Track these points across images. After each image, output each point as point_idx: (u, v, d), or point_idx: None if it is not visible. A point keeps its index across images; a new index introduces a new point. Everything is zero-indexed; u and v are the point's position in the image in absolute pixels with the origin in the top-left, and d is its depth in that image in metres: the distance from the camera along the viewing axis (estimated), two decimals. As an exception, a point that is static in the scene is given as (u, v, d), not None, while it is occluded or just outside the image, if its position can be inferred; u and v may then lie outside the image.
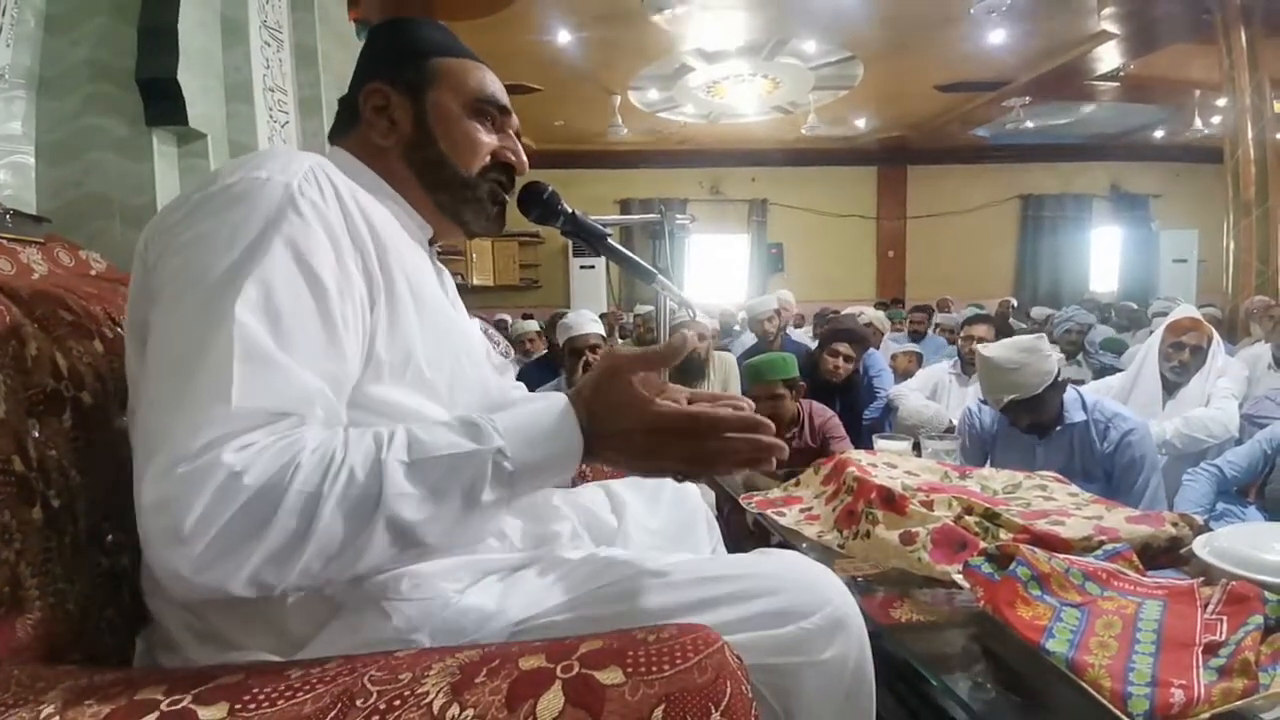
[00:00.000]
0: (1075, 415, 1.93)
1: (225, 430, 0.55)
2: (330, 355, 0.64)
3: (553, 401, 0.66)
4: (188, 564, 0.53)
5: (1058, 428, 1.95)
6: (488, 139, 0.87)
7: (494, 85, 0.89)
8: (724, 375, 3.17)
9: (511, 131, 0.91)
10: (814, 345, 3.32)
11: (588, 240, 0.99)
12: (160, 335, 0.62)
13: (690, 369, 2.97)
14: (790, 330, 4.79)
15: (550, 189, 0.96)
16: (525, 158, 0.91)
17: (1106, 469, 1.90)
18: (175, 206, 0.69)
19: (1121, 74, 6.92)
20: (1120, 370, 3.34)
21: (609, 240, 0.99)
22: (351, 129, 0.87)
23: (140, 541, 0.56)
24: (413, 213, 0.86)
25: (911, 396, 3.24)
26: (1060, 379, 1.95)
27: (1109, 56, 6.48)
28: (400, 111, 0.85)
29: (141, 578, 0.72)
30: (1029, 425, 1.97)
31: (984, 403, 2.16)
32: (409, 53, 0.86)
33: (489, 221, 0.89)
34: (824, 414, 2.52)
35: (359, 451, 0.59)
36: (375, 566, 0.62)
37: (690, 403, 1.05)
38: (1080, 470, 1.91)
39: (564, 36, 5.92)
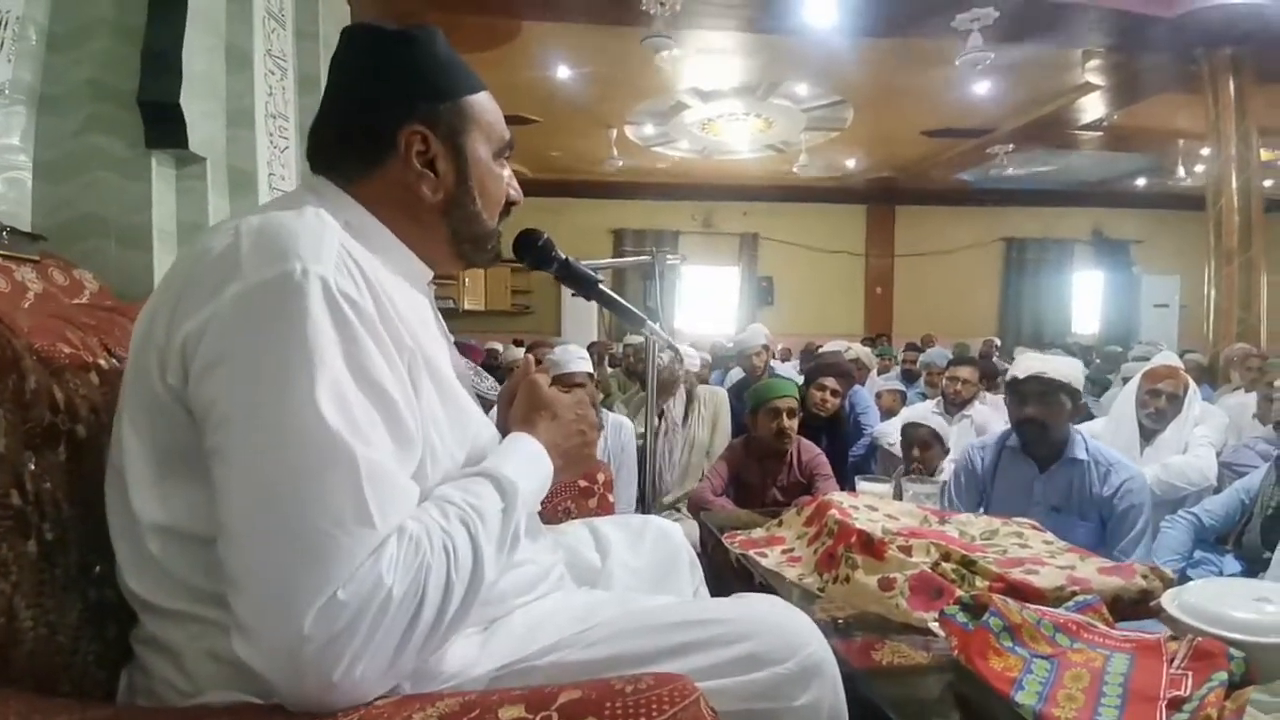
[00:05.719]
0: (1078, 453, 1.96)
1: (367, 549, 0.59)
2: (403, 458, 0.66)
3: (517, 440, 0.82)
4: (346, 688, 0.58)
5: (1058, 461, 1.97)
6: (506, 185, 0.85)
7: (501, 121, 0.85)
8: (714, 409, 3.18)
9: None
10: (800, 380, 3.36)
11: (579, 286, 1.01)
12: (243, 464, 0.60)
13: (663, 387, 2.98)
14: (776, 365, 4.82)
15: (545, 237, 0.99)
16: (519, 186, 0.89)
17: (1103, 513, 1.92)
18: (198, 293, 0.63)
19: (1105, 124, 7.05)
20: (1092, 415, 3.38)
21: (600, 287, 1.02)
22: (373, 168, 0.77)
23: (262, 666, 0.58)
24: (414, 259, 0.82)
25: (897, 434, 3.27)
26: (1080, 402, 2.03)
27: (1093, 107, 6.62)
28: (444, 163, 0.78)
29: (139, 628, 0.71)
30: (1034, 440, 1.99)
31: (983, 445, 2.18)
32: (446, 90, 0.78)
33: (495, 257, 0.89)
34: (811, 450, 2.54)
35: (458, 537, 0.65)
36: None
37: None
38: (1076, 509, 1.94)
39: (564, 71, 6.04)
